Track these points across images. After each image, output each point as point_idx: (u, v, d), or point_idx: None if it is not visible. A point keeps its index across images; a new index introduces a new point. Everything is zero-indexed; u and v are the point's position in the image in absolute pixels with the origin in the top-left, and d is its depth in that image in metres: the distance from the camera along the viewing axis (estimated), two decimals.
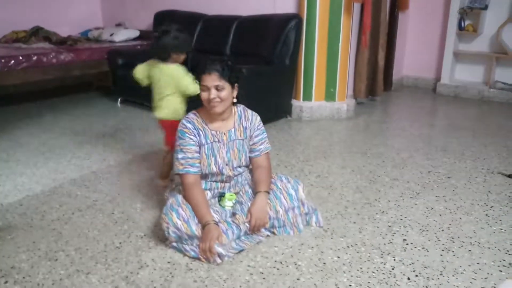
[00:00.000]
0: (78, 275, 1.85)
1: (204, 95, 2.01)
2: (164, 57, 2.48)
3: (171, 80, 2.48)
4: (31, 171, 3.01)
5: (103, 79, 5.31)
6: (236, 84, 2.08)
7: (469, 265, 1.92)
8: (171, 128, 2.48)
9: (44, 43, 5.04)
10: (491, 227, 2.25)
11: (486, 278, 1.83)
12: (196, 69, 2.08)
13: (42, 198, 2.58)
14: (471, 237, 2.15)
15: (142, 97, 4.62)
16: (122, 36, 5.49)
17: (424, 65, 5.82)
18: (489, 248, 2.05)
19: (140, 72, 2.63)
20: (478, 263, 1.93)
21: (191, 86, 2.44)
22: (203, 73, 1.99)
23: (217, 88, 1.99)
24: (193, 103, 2.25)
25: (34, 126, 4.05)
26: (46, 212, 2.41)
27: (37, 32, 5.18)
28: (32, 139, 3.67)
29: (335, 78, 4.19)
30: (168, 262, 1.94)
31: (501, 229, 2.22)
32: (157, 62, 2.52)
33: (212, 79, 1.98)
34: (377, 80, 4.87)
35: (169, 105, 2.52)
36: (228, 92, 2.02)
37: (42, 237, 2.15)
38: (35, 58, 4.37)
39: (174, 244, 2.01)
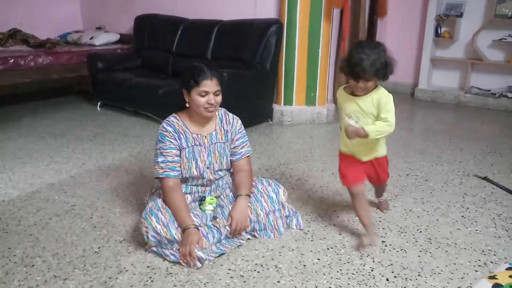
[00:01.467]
0: (56, 281, 1.82)
1: (202, 100, 2.01)
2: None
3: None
4: (7, 175, 2.94)
5: (83, 82, 5.25)
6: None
7: (446, 266, 1.95)
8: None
9: (21, 46, 4.96)
10: (467, 228, 2.30)
11: (462, 278, 1.87)
12: (186, 73, 2.04)
13: (19, 203, 2.53)
14: (447, 238, 2.19)
15: (122, 101, 4.59)
16: (102, 39, 5.44)
17: (402, 70, 5.91)
18: (465, 248, 2.10)
19: None
20: (454, 264, 1.97)
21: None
22: (204, 79, 1.98)
23: (215, 93, 2.01)
24: (174, 108, 2.23)
25: (11, 130, 3.97)
26: (23, 217, 2.36)
27: (14, 35, 5.09)
28: (8, 144, 3.60)
29: (315, 82, 4.23)
30: (148, 267, 1.92)
31: (476, 230, 2.28)
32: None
33: (214, 85, 2.00)
34: None
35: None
36: (221, 96, 2.05)
37: (18, 242, 2.11)
38: (12, 61, 4.29)
39: (154, 248, 1.99)
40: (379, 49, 1.94)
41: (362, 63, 1.87)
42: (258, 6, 4.37)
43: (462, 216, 2.42)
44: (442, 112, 4.93)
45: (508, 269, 1.79)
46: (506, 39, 4.91)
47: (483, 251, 2.08)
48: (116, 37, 5.59)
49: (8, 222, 2.30)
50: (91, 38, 5.43)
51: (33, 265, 1.93)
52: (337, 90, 2.15)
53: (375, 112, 2.00)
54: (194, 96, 2.02)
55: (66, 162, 3.20)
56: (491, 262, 1.99)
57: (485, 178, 2.94)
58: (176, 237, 1.92)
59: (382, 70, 1.93)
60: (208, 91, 2.00)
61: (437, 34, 5.33)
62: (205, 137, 2.13)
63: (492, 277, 1.75)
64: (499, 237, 2.20)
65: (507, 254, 2.05)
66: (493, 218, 2.40)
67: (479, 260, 2.00)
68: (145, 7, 5.33)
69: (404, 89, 5.93)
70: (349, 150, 2.17)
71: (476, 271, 1.92)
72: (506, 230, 2.27)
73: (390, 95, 2.03)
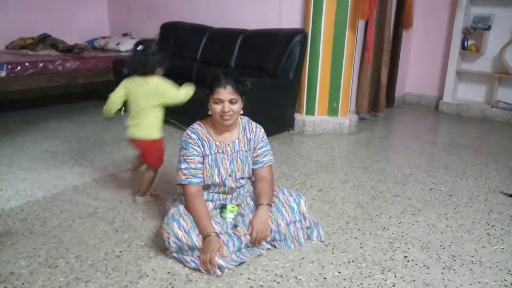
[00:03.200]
0: (78, 283, 1.84)
1: (217, 108, 2.03)
2: (148, 71, 2.45)
3: (155, 92, 2.44)
4: (33, 177, 3.01)
5: (108, 88, 5.33)
6: (243, 97, 2.10)
7: (470, 284, 1.91)
8: (151, 148, 2.54)
9: (50, 51, 5.09)
10: (492, 246, 2.24)
11: None
12: (205, 80, 2.10)
13: (44, 205, 2.58)
14: (472, 256, 2.14)
15: None
16: (128, 45, 5.53)
17: (427, 83, 5.85)
18: (490, 267, 2.04)
19: (119, 95, 2.54)
20: (479, 282, 1.92)
21: (178, 93, 2.51)
22: (218, 87, 2.00)
23: (231, 102, 2.02)
24: (198, 115, 2.26)
25: (38, 132, 4.07)
26: (47, 218, 2.41)
27: (44, 40, 5.24)
28: (35, 146, 3.68)
29: (338, 93, 4.22)
30: (168, 273, 1.93)
31: (502, 248, 2.22)
32: (136, 77, 2.48)
33: (228, 93, 2.00)
34: (379, 96, 4.90)
35: (149, 123, 2.50)
36: (239, 105, 2.06)
37: (42, 243, 2.15)
38: (41, 65, 4.41)
39: (175, 254, 2.00)
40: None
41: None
42: (282, 16, 4.39)
43: (488, 234, 2.37)
44: (467, 126, 4.84)
45: None
46: None
47: (509, 270, 2.02)
48: None
49: (33, 223, 2.35)
50: (117, 44, 5.54)
51: (56, 266, 1.96)
52: (157, 81, 2.51)
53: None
54: (211, 104, 2.04)
55: (89, 166, 3.25)
56: None
57: (511, 195, 2.86)
58: (197, 243, 1.93)
59: None
60: (222, 99, 2.00)
61: (463, 47, 5.26)
62: (228, 145, 2.14)
63: None
64: None
65: None
66: None
67: (505, 280, 1.94)
68: (170, 15, 5.41)
69: (428, 102, 5.86)
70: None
71: None
72: None
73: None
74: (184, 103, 2.58)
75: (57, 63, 4.55)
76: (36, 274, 1.90)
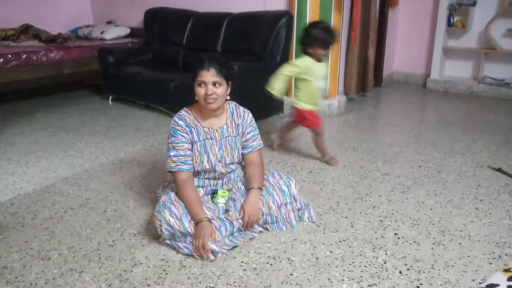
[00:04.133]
0: (71, 274, 1.85)
1: (201, 91, 2.02)
2: (304, 51, 2.87)
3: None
4: (22, 170, 2.99)
5: (94, 77, 5.28)
6: (230, 82, 2.09)
7: (460, 258, 1.94)
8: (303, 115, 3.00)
9: (33, 41, 5.00)
10: (480, 220, 2.28)
11: (476, 270, 1.86)
12: (190, 65, 2.08)
13: (34, 197, 2.57)
14: (461, 231, 2.18)
15: (133, 94, 4.62)
16: (113, 33, 5.46)
17: (414, 61, 5.86)
18: (479, 241, 2.08)
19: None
20: (468, 256, 1.96)
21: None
22: (201, 69, 1.99)
23: (215, 84, 2.00)
24: (185, 101, 2.25)
25: (25, 125, 4.03)
26: (38, 211, 2.40)
27: (26, 30, 5.14)
28: (23, 138, 3.65)
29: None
30: (162, 260, 1.94)
31: (490, 222, 2.26)
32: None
33: (211, 75, 1.99)
34: (367, 76, 4.90)
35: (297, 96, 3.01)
36: (224, 88, 2.04)
37: (34, 236, 2.14)
38: (24, 56, 4.34)
39: (167, 241, 2.01)
40: None
41: (335, 33, 2.80)
42: None
43: (476, 208, 2.41)
44: (455, 103, 4.88)
45: None
46: None
47: (497, 243, 2.06)
48: (126, 31, 5.60)
49: (24, 216, 2.34)
50: (101, 33, 5.46)
51: (49, 258, 1.96)
52: (299, 60, 2.91)
53: None
54: (195, 87, 2.03)
55: (79, 156, 3.23)
56: (506, 254, 1.97)
57: (499, 170, 2.91)
58: (189, 230, 1.94)
59: None
60: (205, 81, 1.99)
61: (449, 24, 5.26)
62: (216, 130, 2.14)
63: (507, 270, 1.74)
64: None
65: None
66: (508, 210, 2.38)
67: (494, 253, 1.98)
68: (154, 1, 5.32)
69: (416, 80, 5.87)
70: (316, 106, 2.97)
71: (491, 263, 1.91)
72: None
73: None
74: None
75: (41, 54, 4.47)
76: (29, 267, 1.90)
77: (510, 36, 5.01)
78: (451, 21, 5.24)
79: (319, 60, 2.81)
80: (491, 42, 5.03)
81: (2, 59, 4.18)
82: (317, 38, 2.73)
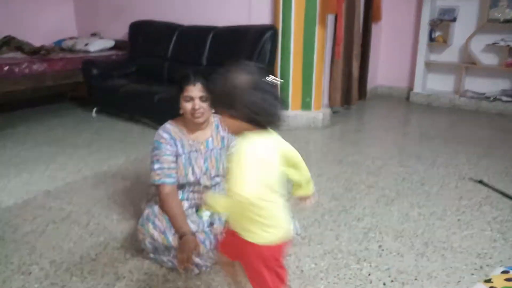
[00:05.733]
0: None
1: (188, 106, 2.02)
2: None
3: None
4: (3, 183, 2.93)
5: (78, 89, 5.24)
6: None
7: (443, 269, 1.96)
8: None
9: (16, 53, 4.95)
10: (463, 232, 2.31)
11: (459, 281, 1.88)
12: (175, 79, 2.09)
13: (15, 211, 2.52)
14: (444, 242, 2.20)
15: (118, 107, 4.59)
16: (97, 46, 5.43)
17: (397, 74, 5.95)
18: (461, 252, 2.11)
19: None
20: (451, 267, 1.98)
21: None
22: (187, 84, 2.00)
23: (201, 99, 2.01)
24: (170, 114, 2.24)
25: (6, 137, 3.96)
26: (19, 225, 2.35)
27: (8, 42, 5.07)
28: (4, 151, 3.59)
29: (310, 87, 4.25)
30: (145, 274, 1.92)
31: (472, 233, 2.29)
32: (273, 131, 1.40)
33: (198, 90, 2.00)
34: (352, 89, 4.96)
35: None
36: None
37: (14, 250, 2.10)
38: (6, 68, 4.28)
39: (151, 255, 1.99)
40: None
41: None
42: (252, 12, 4.39)
43: (458, 220, 2.44)
44: (437, 116, 4.96)
45: (503, 272, 1.81)
46: (499, 43, 4.95)
47: (479, 254, 2.09)
48: (111, 43, 5.59)
49: (4, 230, 2.30)
50: (85, 45, 5.43)
51: (30, 273, 1.92)
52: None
53: None
54: (182, 102, 2.04)
55: (62, 169, 3.19)
56: (487, 265, 2.00)
57: (480, 182, 2.96)
58: (173, 243, 1.92)
59: None
60: (192, 96, 2.00)
61: (431, 39, 5.37)
62: (201, 143, 2.14)
63: (487, 281, 1.77)
64: (495, 240, 2.22)
65: (502, 257, 2.06)
66: (489, 222, 2.41)
67: (475, 264, 2.01)
68: (140, 13, 5.33)
69: (399, 93, 5.96)
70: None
71: (472, 274, 1.93)
72: (502, 233, 2.28)
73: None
74: None
75: (23, 66, 4.42)
76: (9, 282, 1.85)
77: (489, 51, 5.14)
78: (433, 36, 5.36)
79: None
80: (472, 57, 5.15)
81: None
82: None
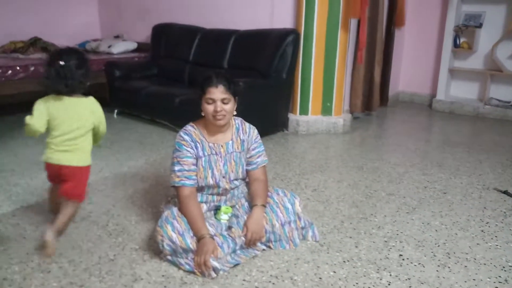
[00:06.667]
0: (71, 287, 1.83)
1: (209, 108, 2.02)
2: (80, 88, 2.13)
3: (89, 114, 2.15)
4: (25, 181, 2.98)
5: (100, 90, 5.30)
6: (236, 98, 2.10)
7: (465, 281, 1.91)
8: (82, 176, 2.16)
9: (42, 54, 5.05)
10: (486, 243, 2.24)
11: None
12: (196, 82, 2.10)
13: (37, 209, 2.56)
14: (467, 253, 2.14)
15: (139, 109, 4.64)
16: (120, 48, 5.51)
17: (420, 81, 5.87)
18: (484, 264, 2.05)
19: (41, 116, 2.11)
20: (474, 279, 1.93)
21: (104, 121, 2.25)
22: (209, 86, 2.00)
23: (223, 101, 2.01)
24: (190, 117, 2.25)
25: (30, 136, 4.02)
26: (40, 223, 2.38)
27: (35, 43, 5.20)
28: (27, 150, 3.65)
29: (331, 92, 4.22)
30: (163, 276, 1.92)
31: (496, 245, 2.22)
32: (61, 97, 2.10)
33: (220, 92, 2.00)
34: (373, 95, 4.90)
35: (84, 147, 2.14)
36: (232, 105, 2.06)
37: (35, 248, 2.13)
38: (32, 68, 4.37)
39: (169, 257, 1.99)
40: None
41: None
42: (274, 16, 4.39)
43: (482, 231, 2.37)
44: (461, 124, 4.86)
45: None
46: None
47: (503, 267, 2.03)
48: (134, 45, 5.66)
49: (26, 228, 2.33)
50: (109, 47, 5.51)
51: (49, 271, 1.94)
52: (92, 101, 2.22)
53: None
54: (203, 104, 2.04)
55: None
56: None
57: (505, 192, 2.88)
58: (191, 246, 1.91)
59: None
60: (214, 98, 2.00)
61: (455, 45, 5.27)
62: (222, 146, 2.14)
63: None
64: None
65: None
66: None
67: (500, 277, 1.95)
68: (161, 16, 5.39)
69: (422, 100, 5.87)
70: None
71: (497, 287, 1.87)
72: None
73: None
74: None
75: None
76: (29, 280, 1.88)
77: None
78: (457, 42, 5.26)
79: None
80: (497, 64, 5.03)
81: (10, 71, 4.22)
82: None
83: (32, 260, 2.03)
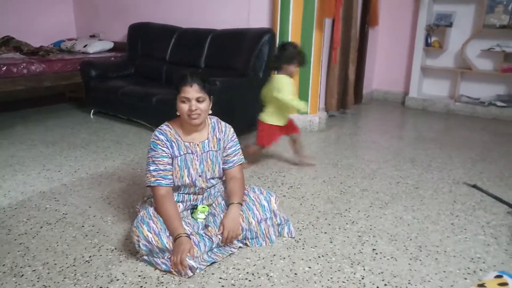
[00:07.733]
0: None
1: (184, 107, 2.03)
2: (276, 67, 3.01)
3: (273, 87, 2.99)
4: None
5: (76, 90, 5.24)
6: (211, 97, 2.11)
7: (436, 273, 1.97)
8: (264, 130, 3.13)
9: (14, 53, 4.95)
10: (456, 236, 2.32)
11: (452, 285, 1.89)
12: (172, 81, 2.10)
13: (9, 212, 2.52)
14: (437, 246, 2.21)
15: (115, 108, 4.59)
16: (96, 47, 5.44)
17: (393, 79, 5.98)
18: (454, 256, 2.12)
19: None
20: (444, 271, 1.99)
21: (286, 97, 2.95)
22: (184, 85, 2.01)
23: (198, 100, 2.02)
24: (167, 116, 2.26)
25: (3, 137, 3.96)
26: (13, 226, 2.35)
27: (7, 42, 5.09)
28: (0, 151, 3.58)
29: (307, 91, 4.26)
30: (139, 276, 1.92)
31: (466, 237, 2.30)
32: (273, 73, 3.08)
33: (194, 91, 2.00)
34: (348, 93, 4.98)
35: (268, 110, 3.11)
36: (207, 103, 2.06)
37: (7, 252, 2.10)
38: (4, 68, 4.28)
39: (145, 257, 1.99)
40: None
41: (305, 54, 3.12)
42: (251, 16, 4.41)
43: (452, 224, 2.45)
44: (432, 121, 4.99)
45: (496, 277, 1.82)
46: (494, 48, 4.99)
47: (472, 258, 2.10)
48: (110, 45, 5.60)
49: None
50: (84, 46, 5.44)
51: (22, 275, 1.92)
52: (283, 78, 2.99)
53: None
54: (178, 103, 2.05)
55: (58, 170, 3.19)
56: (480, 270, 2.01)
57: (474, 186, 2.97)
58: (167, 245, 1.92)
59: None
60: (188, 97, 2.01)
61: (427, 44, 5.40)
62: (197, 145, 2.15)
63: (481, 285, 1.78)
64: (488, 244, 2.23)
65: (496, 262, 2.07)
66: (482, 226, 2.43)
67: (469, 268, 2.02)
68: (139, 16, 5.35)
69: (395, 98, 5.99)
70: (284, 122, 3.17)
71: (466, 279, 1.94)
72: (495, 238, 2.30)
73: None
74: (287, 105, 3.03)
75: (22, 66, 4.42)
76: (1, 284, 1.85)
77: (484, 57, 5.18)
78: (429, 41, 5.39)
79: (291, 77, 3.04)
80: (467, 62, 5.18)
81: None
82: (293, 57, 2.96)
83: (4, 264, 2.00)
